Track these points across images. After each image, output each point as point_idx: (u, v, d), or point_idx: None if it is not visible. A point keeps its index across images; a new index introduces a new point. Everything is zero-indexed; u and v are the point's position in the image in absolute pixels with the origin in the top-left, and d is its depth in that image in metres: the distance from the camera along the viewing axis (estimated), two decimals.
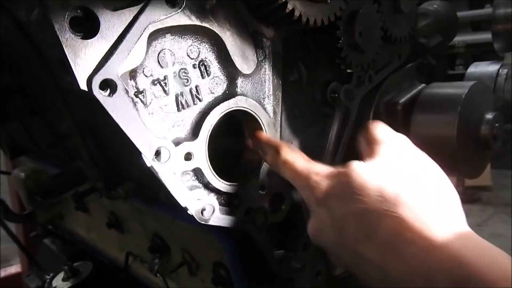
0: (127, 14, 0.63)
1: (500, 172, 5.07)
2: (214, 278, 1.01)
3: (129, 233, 1.43)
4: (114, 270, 1.60)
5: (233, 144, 0.86)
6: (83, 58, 0.59)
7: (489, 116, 0.91)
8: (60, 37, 0.57)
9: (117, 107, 0.61)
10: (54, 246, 2.05)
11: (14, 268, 2.85)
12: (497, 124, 0.91)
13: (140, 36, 0.63)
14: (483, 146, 0.92)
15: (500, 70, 1.07)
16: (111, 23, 0.61)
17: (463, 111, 0.88)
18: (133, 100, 0.63)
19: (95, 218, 1.63)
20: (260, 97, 0.81)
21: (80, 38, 0.59)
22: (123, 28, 0.62)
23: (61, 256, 1.95)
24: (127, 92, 0.62)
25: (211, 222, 0.73)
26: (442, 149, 0.89)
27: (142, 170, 0.67)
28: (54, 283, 1.61)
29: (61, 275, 1.62)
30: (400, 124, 0.99)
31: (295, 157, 0.72)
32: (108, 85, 0.61)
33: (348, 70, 0.88)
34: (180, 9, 0.67)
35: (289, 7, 0.71)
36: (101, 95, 0.60)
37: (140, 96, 0.67)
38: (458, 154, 0.88)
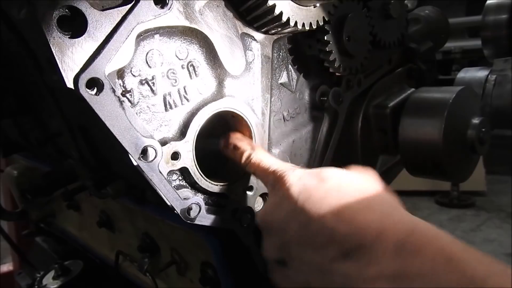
0: (115, 14, 0.63)
1: (495, 178, 5.09)
2: (202, 278, 1.02)
3: (120, 232, 1.43)
4: (104, 269, 1.61)
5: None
6: (70, 57, 0.60)
7: (475, 121, 0.92)
8: (47, 36, 0.57)
9: (103, 106, 0.62)
10: (46, 245, 2.05)
11: (7, 267, 2.84)
12: (483, 129, 0.92)
13: (128, 36, 0.64)
14: (469, 150, 0.93)
15: (489, 76, 1.09)
16: (99, 23, 0.62)
17: (450, 115, 0.89)
18: (119, 99, 0.64)
19: (87, 216, 1.63)
20: (249, 99, 0.82)
21: (68, 37, 0.59)
22: (111, 28, 0.63)
23: (53, 254, 1.95)
24: (113, 91, 0.63)
25: (197, 222, 0.74)
26: (429, 153, 0.90)
27: (131, 169, 0.68)
28: (44, 282, 1.61)
29: (51, 273, 1.63)
30: (389, 128, 1.00)
31: (262, 155, 0.73)
32: (95, 84, 0.61)
33: (337, 74, 0.89)
34: (169, 10, 0.68)
35: (277, 11, 0.72)
36: (87, 94, 0.61)
37: (127, 95, 0.67)
38: (444, 158, 0.89)
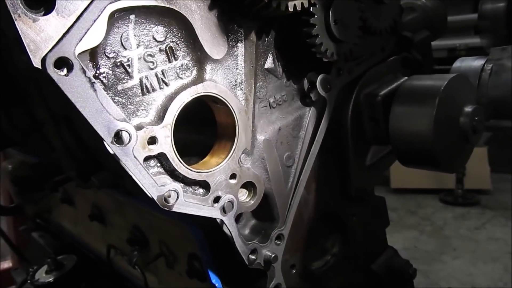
0: None
1: (501, 176, 5.03)
2: (189, 270, 1.00)
3: (111, 225, 1.41)
4: (98, 263, 1.59)
5: (204, 131, 0.85)
6: (37, 35, 0.57)
7: (468, 109, 0.89)
8: (12, 13, 0.55)
9: (73, 87, 0.60)
10: (42, 240, 2.04)
11: (7, 263, 2.84)
12: (476, 118, 0.89)
13: (100, 14, 0.62)
14: (462, 139, 0.90)
15: (485, 66, 1.05)
16: (68, 1, 0.60)
17: (441, 103, 0.85)
18: (90, 81, 0.61)
19: (80, 211, 1.62)
20: (232, 84, 0.79)
21: (34, 15, 0.57)
22: (81, 6, 0.60)
23: (49, 249, 1.94)
24: (84, 72, 0.61)
25: (175, 209, 0.71)
26: (420, 142, 0.87)
27: (112, 157, 0.66)
28: (37, 276, 1.60)
29: (44, 268, 1.61)
30: (380, 117, 0.97)
31: None
32: (64, 64, 0.59)
33: (324, 60, 0.86)
34: None
35: None
36: (56, 74, 0.58)
37: (100, 77, 0.65)
38: (436, 147, 0.86)
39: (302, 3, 0.76)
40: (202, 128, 0.88)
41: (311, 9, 0.79)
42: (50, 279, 1.55)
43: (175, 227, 1.00)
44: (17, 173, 1.74)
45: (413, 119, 0.88)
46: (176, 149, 0.83)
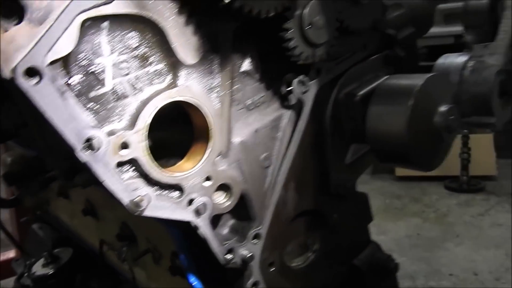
0: (57, 2, 0.62)
1: (506, 162, 5.01)
2: (172, 267, 1.02)
3: (103, 220, 1.44)
4: (92, 256, 1.63)
5: (181, 134, 0.86)
6: (8, 45, 0.59)
7: (443, 108, 0.90)
8: None
9: (43, 96, 0.61)
10: (42, 232, 2.08)
11: (13, 253, 2.91)
12: (451, 117, 0.90)
13: (70, 23, 0.63)
14: (437, 138, 0.90)
15: (467, 63, 1.05)
16: (39, 10, 0.61)
17: (416, 103, 0.86)
18: (61, 90, 0.63)
19: (75, 204, 1.65)
20: (207, 88, 0.81)
21: (6, 24, 0.59)
22: (51, 16, 0.62)
23: (47, 241, 1.99)
24: (54, 80, 0.62)
25: (146, 213, 0.73)
26: (395, 141, 0.88)
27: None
28: (34, 269, 1.65)
29: (41, 261, 1.66)
30: (359, 116, 0.98)
31: None
32: (34, 73, 0.61)
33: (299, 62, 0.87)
34: None
35: None
36: (26, 84, 0.60)
37: (72, 84, 0.67)
38: (410, 146, 0.87)
39: (275, 8, 0.77)
40: (185, 127, 0.89)
41: (285, 13, 0.80)
42: (47, 272, 1.60)
43: (158, 225, 1.02)
44: (16, 166, 1.77)
45: (388, 119, 0.89)
46: (157, 150, 0.85)
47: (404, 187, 4.82)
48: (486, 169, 4.83)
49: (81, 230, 1.71)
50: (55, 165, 0.98)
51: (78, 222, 1.73)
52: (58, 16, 0.62)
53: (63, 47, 0.63)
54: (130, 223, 1.23)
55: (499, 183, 4.77)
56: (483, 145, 4.64)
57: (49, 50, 0.62)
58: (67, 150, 0.95)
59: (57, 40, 0.62)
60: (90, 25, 0.67)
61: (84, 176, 0.99)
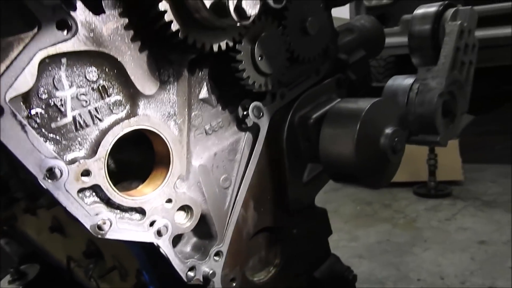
0: (17, 41, 0.66)
1: (472, 166, 5.20)
2: (137, 284, 1.06)
3: (71, 237, 1.46)
4: (60, 272, 1.64)
5: (144, 156, 0.90)
6: None
7: (389, 130, 0.97)
8: None
9: (4, 130, 0.65)
10: (8, 248, 2.06)
11: None
12: (396, 139, 0.97)
13: (30, 61, 0.67)
14: (383, 159, 0.98)
15: (413, 85, 1.13)
16: None
17: (363, 126, 0.93)
18: (21, 123, 0.67)
19: (43, 221, 1.66)
20: (165, 116, 0.85)
21: None
22: (11, 55, 0.65)
23: (15, 257, 1.97)
24: (15, 115, 0.66)
25: (108, 236, 0.77)
26: (344, 162, 0.95)
27: None
28: (1, 285, 1.64)
29: (8, 277, 1.65)
30: (313, 137, 1.04)
31: None
32: None
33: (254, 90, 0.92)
34: (73, 36, 0.71)
35: (182, 34, 0.75)
36: None
37: (33, 117, 0.70)
38: (358, 166, 0.94)
39: (227, 43, 0.82)
40: (148, 150, 0.93)
41: (236, 47, 0.86)
42: None
43: (123, 243, 1.06)
44: None
45: (338, 141, 0.95)
46: (119, 173, 0.89)
47: (375, 193, 4.93)
48: (452, 174, 5.00)
49: (48, 247, 1.71)
50: (19, 187, 1.00)
51: (45, 239, 1.73)
52: (18, 55, 0.66)
53: (23, 84, 0.67)
54: (97, 241, 1.26)
55: (465, 188, 4.95)
56: (449, 151, 4.80)
57: (10, 87, 0.65)
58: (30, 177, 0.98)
59: (17, 77, 0.66)
60: (49, 62, 0.71)
61: (49, 199, 1.02)
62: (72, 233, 1.44)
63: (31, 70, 0.67)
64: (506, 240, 3.67)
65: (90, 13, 0.73)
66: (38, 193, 1.01)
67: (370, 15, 3.88)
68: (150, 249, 0.90)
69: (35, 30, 0.68)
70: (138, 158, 0.94)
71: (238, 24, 0.76)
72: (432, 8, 1.19)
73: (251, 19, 0.75)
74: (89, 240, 1.28)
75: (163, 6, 0.73)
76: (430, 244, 3.84)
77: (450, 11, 1.17)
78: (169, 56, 0.83)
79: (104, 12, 0.73)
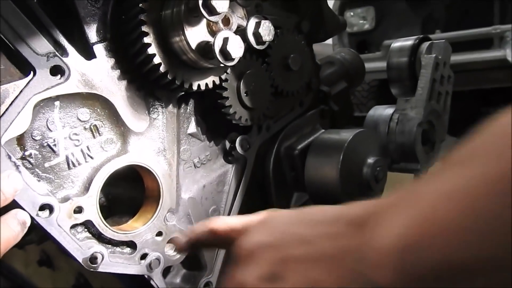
0: (12, 88, 0.69)
1: None
2: None
3: (59, 270, 1.46)
4: None
5: (134, 191, 0.93)
6: None
7: (371, 160, 1.01)
8: None
9: None
10: None
11: None
12: (378, 168, 1.01)
13: (24, 106, 0.70)
14: (366, 188, 1.02)
15: (393, 115, 1.19)
16: None
17: (346, 157, 0.97)
18: (15, 164, 0.69)
19: (31, 254, 1.65)
20: (155, 152, 0.88)
21: None
22: (6, 101, 0.68)
23: None
24: (9, 157, 0.69)
25: (100, 269, 0.79)
26: (328, 191, 0.99)
27: None
28: None
29: None
30: (299, 168, 1.08)
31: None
32: None
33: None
34: (66, 80, 0.74)
35: (170, 76, 0.79)
36: None
37: (27, 158, 0.73)
38: (342, 195, 0.98)
39: (213, 81, 0.86)
40: (138, 184, 0.96)
41: (222, 84, 0.90)
42: None
43: (113, 276, 1.07)
44: None
45: (322, 171, 1.00)
46: (110, 207, 0.91)
47: None
48: None
49: (36, 280, 1.70)
50: None
51: (33, 272, 1.72)
52: (13, 101, 0.69)
53: (18, 128, 0.70)
54: (86, 274, 1.26)
55: None
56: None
57: (5, 132, 0.68)
58: None
59: (12, 122, 0.69)
60: (43, 105, 0.74)
61: (40, 233, 1.03)
62: (61, 267, 1.44)
63: (26, 114, 0.70)
64: None
65: (82, 58, 0.76)
66: (29, 228, 1.01)
67: (352, 41, 3.97)
68: (141, 281, 0.92)
69: (30, 76, 0.71)
70: (129, 192, 0.97)
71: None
72: (408, 42, 1.25)
73: (236, 61, 0.79)
74: (79, 273, 1.29)
75: (151, 50, 0.77)
76: None
77: (425, 44, 1.23)
78: (158, 94, 0.87)
79: (95, 57, 0.77)
